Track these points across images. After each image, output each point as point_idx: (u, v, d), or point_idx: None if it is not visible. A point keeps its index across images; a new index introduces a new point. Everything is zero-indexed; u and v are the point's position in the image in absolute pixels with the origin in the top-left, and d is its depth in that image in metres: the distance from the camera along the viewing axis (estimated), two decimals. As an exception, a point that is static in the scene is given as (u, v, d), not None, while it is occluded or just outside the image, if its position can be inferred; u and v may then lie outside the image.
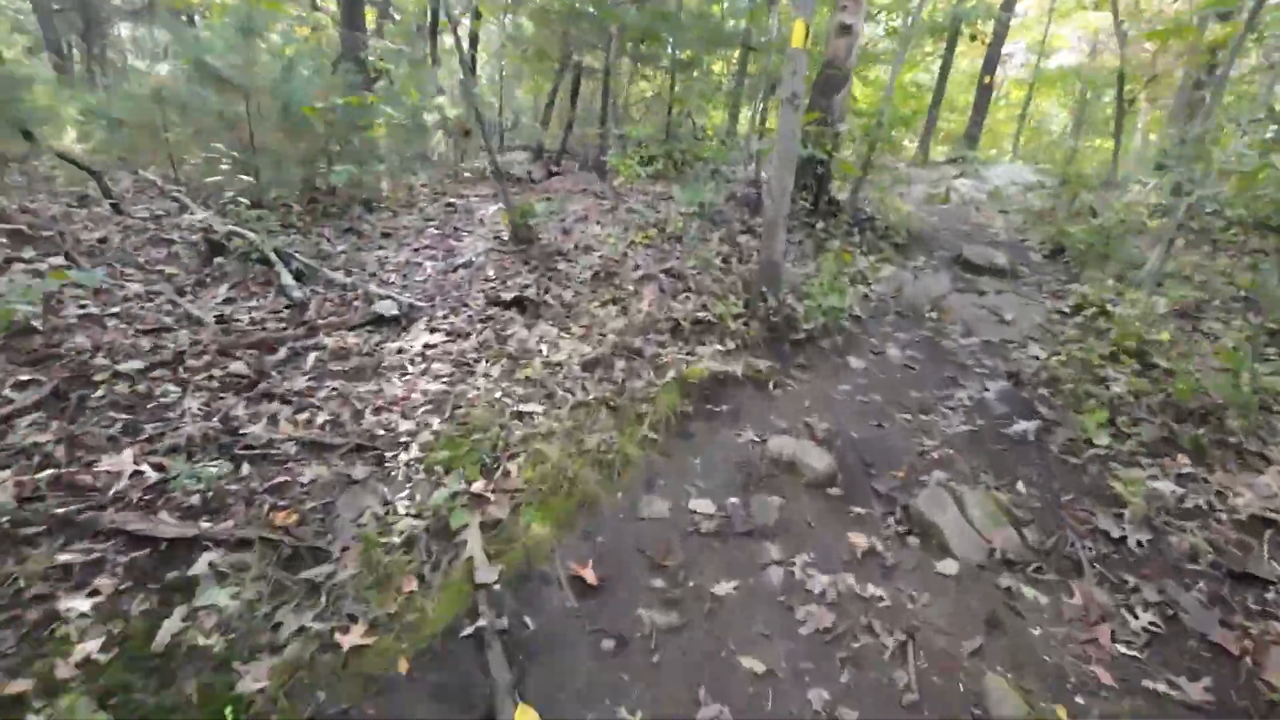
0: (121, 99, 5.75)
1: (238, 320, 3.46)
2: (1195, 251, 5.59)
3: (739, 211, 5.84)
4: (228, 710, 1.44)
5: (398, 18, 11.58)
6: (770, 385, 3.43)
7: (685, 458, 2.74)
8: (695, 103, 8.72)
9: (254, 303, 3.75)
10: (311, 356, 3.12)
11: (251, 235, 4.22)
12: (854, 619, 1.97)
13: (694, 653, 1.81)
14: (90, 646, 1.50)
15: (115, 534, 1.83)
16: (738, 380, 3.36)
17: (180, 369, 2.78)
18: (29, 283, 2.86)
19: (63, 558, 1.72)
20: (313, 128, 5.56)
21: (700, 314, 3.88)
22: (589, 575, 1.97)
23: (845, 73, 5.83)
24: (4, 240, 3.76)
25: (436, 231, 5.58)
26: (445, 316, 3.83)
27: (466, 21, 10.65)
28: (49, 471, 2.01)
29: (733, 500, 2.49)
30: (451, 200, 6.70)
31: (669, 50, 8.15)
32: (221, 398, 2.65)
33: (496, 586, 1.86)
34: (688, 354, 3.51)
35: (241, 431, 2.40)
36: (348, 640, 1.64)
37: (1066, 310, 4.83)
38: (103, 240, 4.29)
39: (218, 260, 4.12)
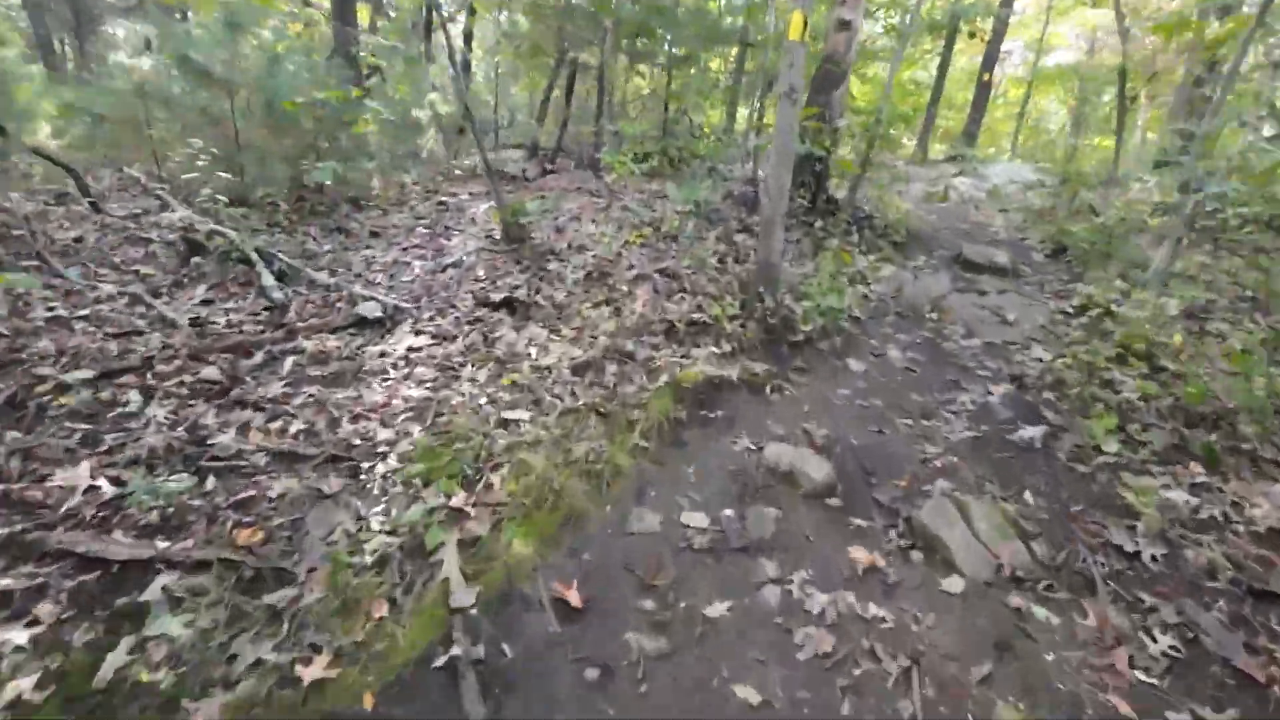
0: (101, 94, 5.60)
1: (214, 323, 3.32)
2: (1198, 250, 5.48)
3: (736, 210, 5.72)
4: (174, 753, 1.31)
5: (393, 14, 11.44)
6: (767, 389, 3.31)
7: (678, 467, 2.62)
8: (692, 100, 8.59)
9: (232, 304, 3.62)
10: (289, 361, 2.99)
11: (232, 234, 4.08)
12: (855, 642, 1.85)
13: (684, 681, 1.69)
14: (24, 684, 1.38)
15: (63, 555, 1.70)
16: (733, 384, 3.24)
17: (149, 374, 2.65)
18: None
19: (2, 583, 1.59)
20: (299, 124, 5.43)
21: (695, 315, 3.76)
22: (573, 597, 1.85)
23: (844, 69, 5.71)
24: (-28, 239, 3.62)
25: (426, 230, 5.45)
26: (431, 318, 3.70)
27: (462, 18, 10.52)
28: (-1, 487, 1.89)
29: (727, 513, 2.37)
30: (443, 198, 6.56)
31: (665, 46, 8.02)
32: (191, 405, 2.52)
33: (473, 611, 1.73)
34: (682, 357, 3.39)
35: (209, 441, 2.27)
36: (309, 673, 1.51)
37: (1070, 310, 4.72)
38: (78, 239, 4.15)
39: (195, 260, 3.98)
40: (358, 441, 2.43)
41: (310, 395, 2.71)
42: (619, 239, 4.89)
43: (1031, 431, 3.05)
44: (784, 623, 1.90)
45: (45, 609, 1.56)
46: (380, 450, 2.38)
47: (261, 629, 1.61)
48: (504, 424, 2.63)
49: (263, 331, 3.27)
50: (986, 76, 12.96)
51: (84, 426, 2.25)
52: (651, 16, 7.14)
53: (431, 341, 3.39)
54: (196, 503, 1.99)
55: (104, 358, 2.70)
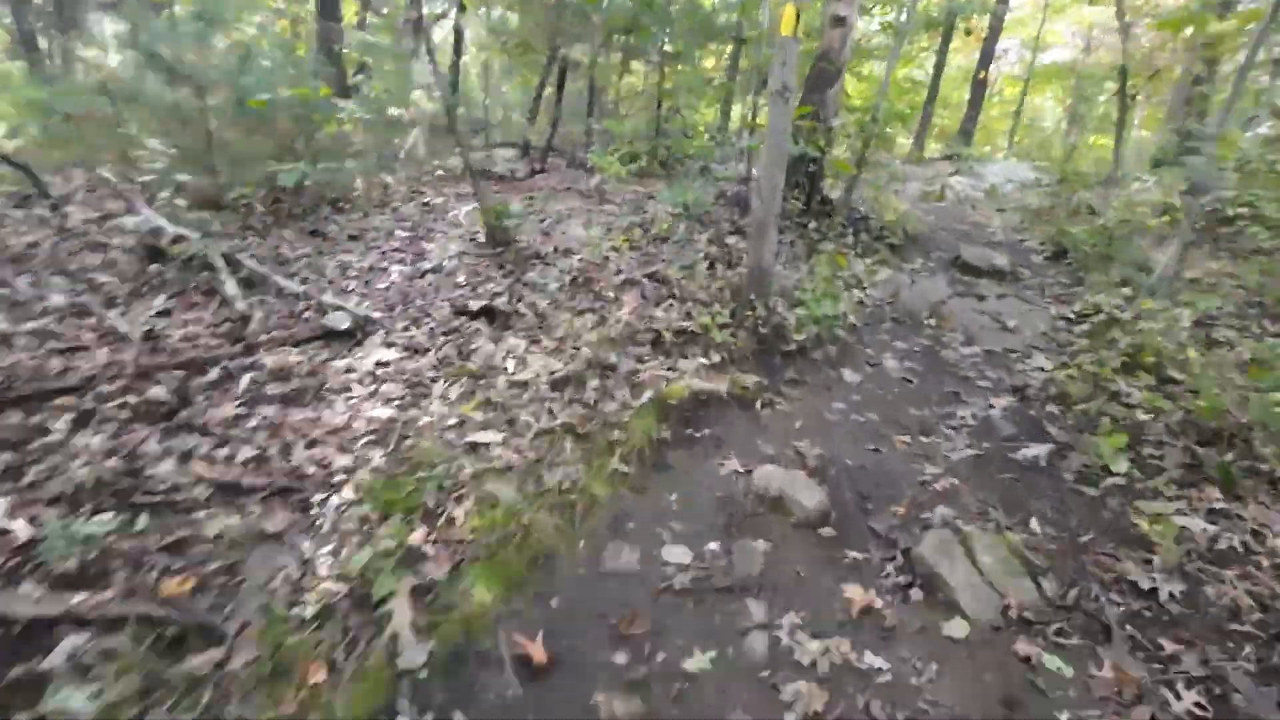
0: (70, 92, 5.38)
1: (169, 336, 3.12)
2: (1197, 251, 5.32)
3: (728, 211, 5.53)
4: None
5: (385, 11, 11.20)
6: (758, 404, 3.14)
7: (660, 494, 2.44)
8: (685, 98, 8.39)
9: (192, 315, 3.41)
10: (246, 378, 2.79)
11: (195, 238, 3.87)
12: (849, 699, 1.68)
13: (660, 750, 1.52)
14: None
15: (-41, 614, 1.51)
16: (722, 400, 3.06)
17: (88, 395, 2.45)
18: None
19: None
20: (274, 123, 5.21)
21: (684, 324, 3.58)
22: (538, 652, 1.66)
23: (838, 67, 5.52)
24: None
25: (407, 234, 5.24)
26: (405, 329, 3.51)
27: (453, 14, 10.29)
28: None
29: (712, 546, 2.19)
30: (428, 199, 6.35)
31: (658, 43, 7.81)
32: (132, 429, 2.32)
33: (423, 673, 1.55)
34: (668, 369, 3.21)
35: (146, 473, 2.08)
36: (229, 754, 1.34)
37: (1071, 316, 4.56)
38: (33, 245, 3.93)
39: (155, 267, 3.77)
40: (311, 470, 2.24)
41: (264, 417, 2.52)
42: (608, 242, 4.70)
43: (1036, 450, 2.89)
44: (770, 676, 1.72)
45: (-72, 682, 1.37)
46: (335, 480, 2.19)
47: (179, 700, 1.42)
48: (473, 448, 2.44)
49: (221, 345, 3.08)
50: (982, 74, 12.82)
51: (7, 457, 2.05)
52: (642, 11, 6.94)
53: (402, 355, 3.20)
54: (126, 545, 1.80)
55: (40, 377, 2.50)
